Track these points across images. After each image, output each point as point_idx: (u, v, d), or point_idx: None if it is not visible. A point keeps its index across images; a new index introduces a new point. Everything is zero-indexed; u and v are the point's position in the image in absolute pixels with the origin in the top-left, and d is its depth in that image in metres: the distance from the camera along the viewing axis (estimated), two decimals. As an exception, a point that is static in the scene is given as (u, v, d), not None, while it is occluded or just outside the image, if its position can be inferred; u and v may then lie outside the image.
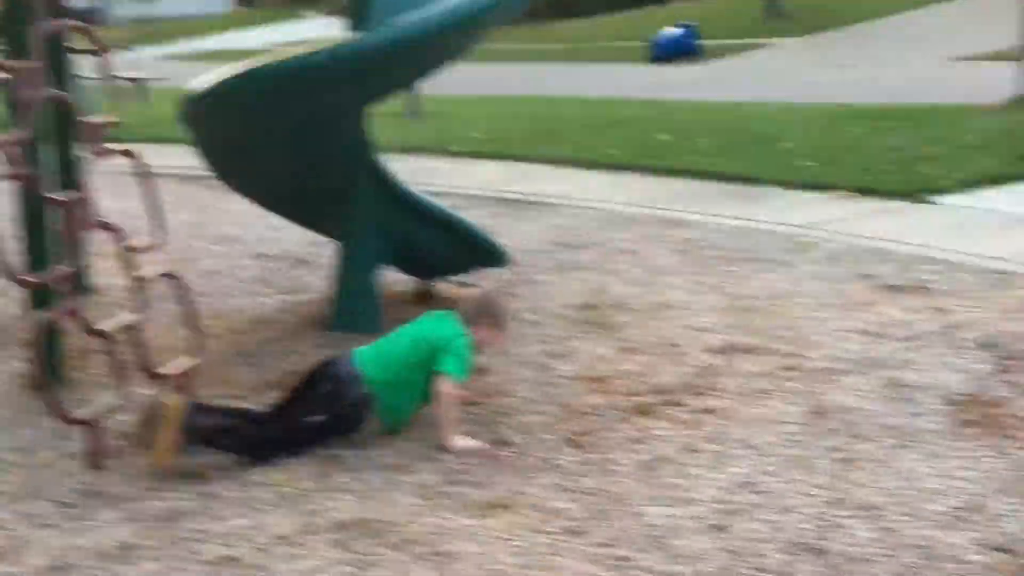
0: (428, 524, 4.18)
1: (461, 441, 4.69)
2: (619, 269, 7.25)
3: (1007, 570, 3.81)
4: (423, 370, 4.77)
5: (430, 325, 4.94)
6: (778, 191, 9.34)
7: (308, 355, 5.77)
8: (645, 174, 10.21)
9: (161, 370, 5.14)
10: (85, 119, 5.29)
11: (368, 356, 4.86)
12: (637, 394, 5.29)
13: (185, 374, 5.19)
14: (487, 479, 4.53)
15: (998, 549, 3.93)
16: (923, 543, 3.95)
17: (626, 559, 3.94)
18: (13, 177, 4.96)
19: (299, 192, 6.38)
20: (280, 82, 5.60)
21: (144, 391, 5.12)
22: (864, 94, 14.27)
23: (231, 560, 3.97)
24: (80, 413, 4.80)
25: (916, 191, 8.96)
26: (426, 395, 4.82)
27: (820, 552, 3.91)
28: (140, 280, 5.20)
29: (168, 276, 5.39)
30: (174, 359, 5.31)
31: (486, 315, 4.92)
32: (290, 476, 4.56)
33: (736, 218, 8.51)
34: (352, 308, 6.17)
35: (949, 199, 8.83)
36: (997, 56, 18.72)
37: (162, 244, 5.45)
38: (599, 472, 4.57)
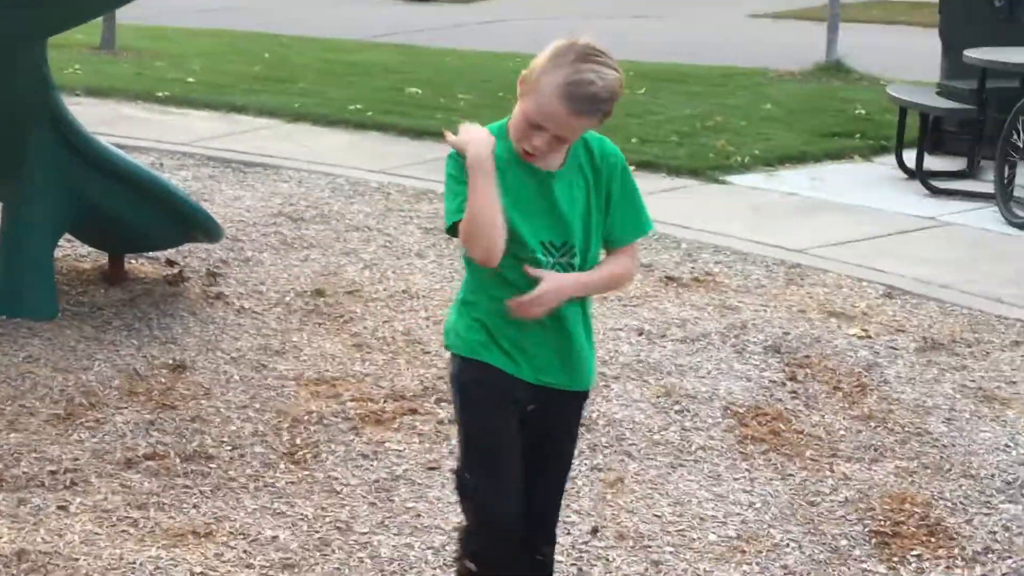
0: (107, 557, 4.12)
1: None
2: (354, 249, 7.25)
3: (785, 609, 4.04)
4: None
5: None
6: (548, 162, 9.54)
7: (-39, 345, 5.61)
8: (391, 134, 10.22)
9: None
10: None
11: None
12: (370, 400, 5.32)
13: None
14: (182, 502, 4.49)
15: (776, 585, 4.16)
16: (693, 578, 4.13)
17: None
18: None
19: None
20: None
21: None
22: (652, 50, 14.66)
23: None
24: None
25: (705, 168, 9.29)
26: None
27: (576, 589, 4.04)
28: None
29: None
30: None
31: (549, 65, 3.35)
32: (-69, 497, 4.42)
33: (498, 192, 8.64)
34: (19, 287, 5.99)
35: (743, 179, 9.20)
36: (803, 14, 19.55)
37: None
38: (322, 493, 4.59)
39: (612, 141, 3.53)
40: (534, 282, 3.36)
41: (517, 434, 3.48)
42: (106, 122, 9.11)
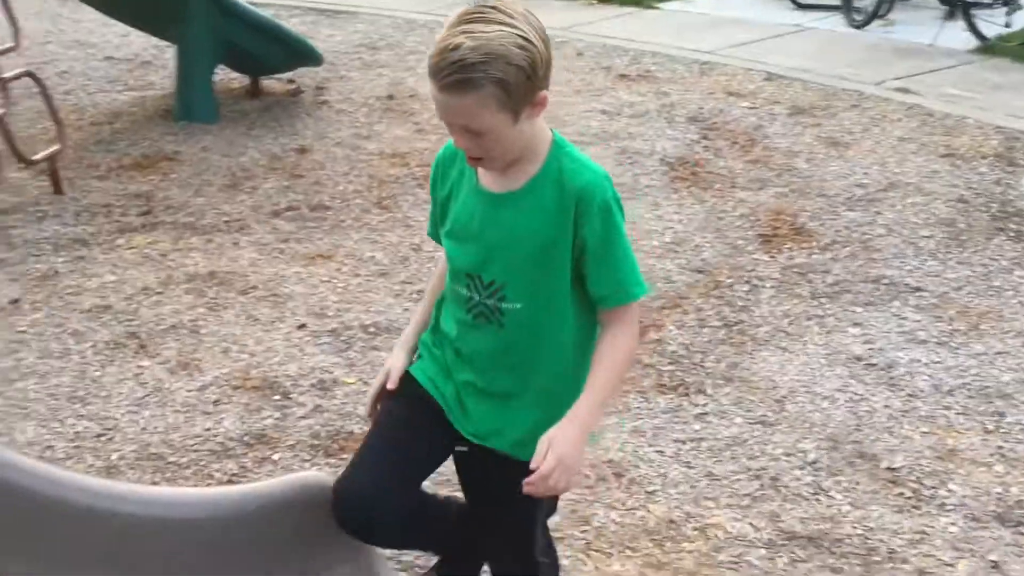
0: (267, 273, 4.17)
1: None
2: (412, 66, 7.07)
3: (703, 284, 4.08)
4: None
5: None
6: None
7: (157, 141, 5.55)
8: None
9: (30, 157, 4.84)
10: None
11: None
12: (429, 165, 5.28)
13: (51, 159, 4.90)
14: (311, 237, 4.51)
15: (696, 271, 4.19)
16: (643, 269, 4.15)
17: (423, 292, 4.03)
18: None
19: (138, 3, 5.94)
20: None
21: (16, 175, 4.82)
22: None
23: (105, 308, 3.89)
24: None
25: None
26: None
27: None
28: (3, 80, 4.82)
29: (29, 76, 5.00)
30: (40, 147, 5.00)
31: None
32: (150, 239, 4.44)
33: (505, 22, 8.37)
34: (192, 102, 5.88)
35: (670, 6, 8.86)
36: None
37: (21, 48, 5.03)
38: (400, 227, 4.61)
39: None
40: (471, 316, 1.92)
41: (421, 422, 1.99)
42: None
